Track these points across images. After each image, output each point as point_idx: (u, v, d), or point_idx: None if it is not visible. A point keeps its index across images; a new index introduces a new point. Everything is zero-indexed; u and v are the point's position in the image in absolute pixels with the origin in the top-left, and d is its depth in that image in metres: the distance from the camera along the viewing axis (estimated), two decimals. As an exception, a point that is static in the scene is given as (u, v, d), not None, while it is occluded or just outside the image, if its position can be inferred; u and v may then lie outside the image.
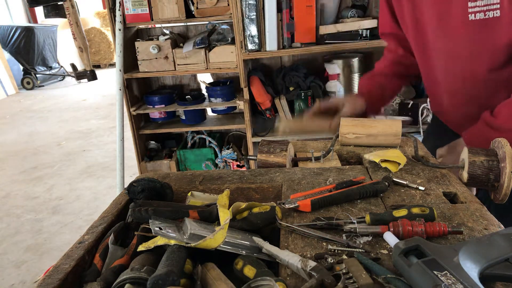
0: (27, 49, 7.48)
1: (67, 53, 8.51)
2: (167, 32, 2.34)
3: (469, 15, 0.89)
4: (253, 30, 2.07)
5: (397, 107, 2.31)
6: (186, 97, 2.46)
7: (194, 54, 2.22)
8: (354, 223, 0.65)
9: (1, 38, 7.37)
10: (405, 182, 0.79)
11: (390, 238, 0.60)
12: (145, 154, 2.57)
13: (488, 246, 0.53)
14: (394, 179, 0.81)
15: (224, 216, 0.64)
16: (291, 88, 2.25)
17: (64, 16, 2.62)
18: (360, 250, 0.60)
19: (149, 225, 0.64)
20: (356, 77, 2.26)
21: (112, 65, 9.07)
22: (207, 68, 2.27)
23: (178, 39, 2.38)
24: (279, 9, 2.06)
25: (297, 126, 1.34)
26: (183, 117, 2.46)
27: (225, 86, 2.38)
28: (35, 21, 9.16)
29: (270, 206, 0.69)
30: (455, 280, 0.47)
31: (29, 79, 7.67)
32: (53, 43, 8.07)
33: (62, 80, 8.35)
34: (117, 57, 2.24)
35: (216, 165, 2.54)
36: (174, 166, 2.51)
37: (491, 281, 0.52)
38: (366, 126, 1.01)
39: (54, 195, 3.19)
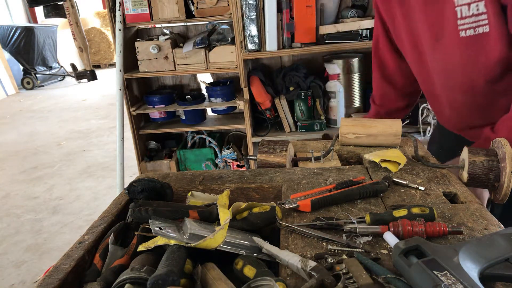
0: (27, 49, 7.48)
1: (67, 53, 8.51)
2: (167, 32, 2.34)
3: (460, 32, 0.91)
4: (253, 30, 2.07)
5: (397, 107, 2.30)
6: (186, 97, 2.46)
7: (194, 54, 2.22)
8: (354, 223, 0.65)
9: (1, 38, 7.37)
10: (405, 182, 0.79)
11: (390, 238, 0.60)
12: (145, 154, 2.57)
13: (488, 246, 0.53)
14: (394, 179, 0.81)
15: (224, 216, 0.64)
16: (291, 88, 2.25)
17: (64, 16, 2.62)
18: (360, 250, 0.60)
19: (149, 225, 0.64)
20: (356, 77, 2.26)
21: (112, 65, 9.07)
22: (207, 68, 2.27)
23: (178, 39, 2.38)
24: (279, 9, 2.05)
25: None
26: (183, 117, 2.46)
27: (225, 86, 2.38)
28: (35, 21, 9.15)
29: (270, 206, 0.69)
30: (455, 280, 0.47)
31: (29, 79, 7.67)
32: (53, 43, 8.07)
33: (62, 80, 8.35)
34: (117, 57, 2.24)
35: (216, 165, 2.54)
36: (174, 166, 2.51)
37: (491, 281, 0.52)
38: (366, 126, 1.01)
39: (54, 195, 3.19)
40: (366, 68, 2.34)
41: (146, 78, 2.60)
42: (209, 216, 0.69)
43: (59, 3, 2.61)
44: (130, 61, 2.34)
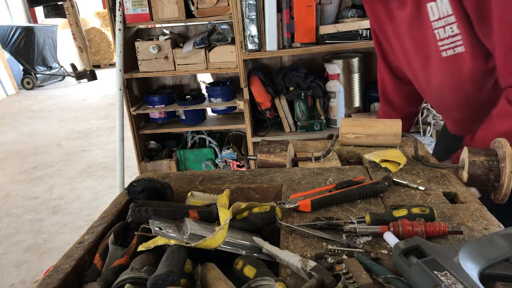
0: (27, 49, 7.48)
1: (67, 53, 8.51)
2: (167, 32, 2.34)
3: (442, 53, 0.98)
4: (253, 30, 2.07)
5: (397, 107, 2.30)
6: (186, 97, 2.46)
7: (194, 54, 2.22)
8: (354, 223, 0.65)
9: (1, 38, 7.37)
10: (405, 182, 0.79)
11: (390, 238, 0.60)
12: (145, 154, 2.57)
13: (488, 246, 0.53)
14: (394, 179, 0.81)
15: (224, 216, 0.64)
16: (291, 88, 2.25)
17: (64, 16, 2.62)
18: (360, 250, 0.60)
19: (149, 225, 0.64)
20: (356, 77, 2.26)
21: (112, 65, 9.07)
22: (207, 68, 2.27)
23: (178, 39, 2.38)
24: (279, 9, 2.05)
25: None
26: (183, 117, 2.46)
27: (225, 86, 2.38)
28: (35, 21, 9.15)
29: (270, 206, 0.69)
30: (455, 280, 0.47)
31: (29, 79, 7.67)
32: (53, 43, 8.07)
33: (62, 80, 8.35)
34: (117, 57, 2.24)
35: (216, 165, 2.54)
36: (174, 166, 2.51)
37: (491, 281, 0.52)
38: (366, 126, 1.01)
39: (54, 195, 3.19)
40: (366, 68, 2.34)
41: (146, 78, 2.60)
42: (209, 216, 0.69)
43: (59, 3, 2.61)
44: (130, 61, 2.34)
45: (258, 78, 2.28)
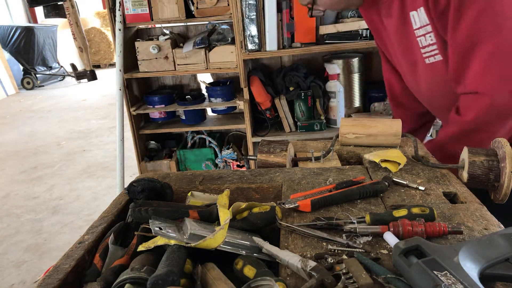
0: (27, 49, 7.47)
1: (67, 53, 8.51)
2: (167, 32, 2.34)
3: (425, 59, 1.02)
4: (253, 30, 2.07)
5: (397, 107, 2.31)
6: (186, 97, 2.46)
7: (194, 54, 2.22)
8: (354, 223, 0.65)
9: (1, 38, 7.37)
10: (405, 182, 0.79)
11: (390, 238, 0.60)
12: (145, 154, 2.57)
13: (488, 246, 0.53)
14: (394, 179, 0.81)
15: (224, 216, 0.64)
16: (291, 88, 2.25)
17: (64, 16, 2.62)
18: (360, 250, 0.60)
19: (149, 225, 0.64)
20: (356, 77, 2.26)
21: (112, 65, 9.07)
22: (207, 68, 2.27)
23: (178, 39, 2.38)
24: (279, 9, 2.05)
25: None
26: (183, 117, 2.46)
27: (225, 86, 2.38)
28: (35, 21, 9.15)
29: (270, 206, 0.69)
30: (455, 280, 0.47)
31: (29, 79, 7.67)
32: (53, 43, 8.06)
33: (62, 80, 8.35)
34: (117, 57, 2.24)
35: (216, 165, 2.54)
36: (174, 166, 2.51)
37: (491, 281, 0.52)
38: (366, 126, 1.01)
39: (54, 195, 3.19)
40: (366, 68, 2.34)
41: (146, 78, 2.60)
42: (209, 216, 0.69)
43: (59, 3, 2.61)
44: (130, 61, 2.34)
45: (258, 78, 2.28)
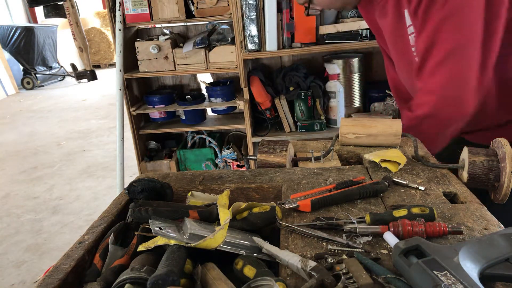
0: (27, 49, 7.47)
1: (67, 53, 8.51)
2: (167, 32, 2.34)
3: (415, 58, 1.04)
4: (253, 30, 2.07)
5: (397, 107, 2.31)
6: (186, 97, 2.46)
7: (194, 54, 2.22)
8: (354, 223, 0.65)
9: (1, 38, 7.37)
10: (405, 182, 0.79)
11: (390, 238, 0.60)
12: (145, 154, 2.57)
13: (488, 246, 0.53)
14: (394, 179, 0.81)
15: (224, 216, 0.64)
16: (291, 88, 2.25)
17: (64, 16, 2.62)
18: (360, 250, 0.60)
19: (149, 225, 0.64)
20: (356, 77, 2.26)
21: (112, 65, 9.07)
22: (207, 68, 2.27)
23: (178, 39, 2.38)
24: (279, 9, 2.05)
25: None
26: (183, 117, 2.46)
27: (225, 86, 2.38)
28: (35, 21, 9.15)
29: (270, 206, 0.69)
30: (455, 280, 0.47)
31: (29, 79, 7.67)
32: (53, 43, 8.06)
33: (62, 80, 8.35)
34: (117, 57, 2.24)
35: (216, 165, 2.54)
36: (174, 166, 2.51)
37: (491, 281, 0.52)
38: (366, 126, 1.01)
39: (54, 195, 3.19)
40: (366, 68, 2.34)
41: (146, 78, 2.61)
42: (209, 216, 0.69)
43: (59, 3, 2.61)
44: (130, 61, 2.34)
45: (258, 78, 2.28)
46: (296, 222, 0.69)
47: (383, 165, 0.86)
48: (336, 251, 0.60)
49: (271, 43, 2.10)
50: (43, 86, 7.96)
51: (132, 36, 2.41)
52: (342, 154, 1.03)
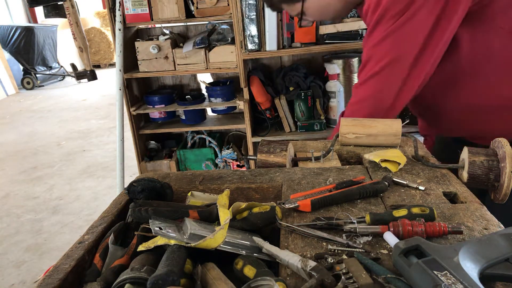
0: (27, 49, 7.48)
1: (67, 53, 8.51)
2: (167, 32, 2.34)
3: None
4: (253, 30, 2.07)
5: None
6: (186, 97, 2.46)
7: (194, 54, 2.22)
8: (354, 223, 0.65)
9: (1, 38, 7.37)
10: (405, 182, 0.79)
11: (390, 238, 0.60)
12: (145, 154, 2.57)
13: (488, 246, 0.53)
14: (394, 179, 0.81)
15: (224, 216, 0.64)
16: (291, 88, 2.25)
17: (64, 16, 2.62)
18: (360, 250, 0.60)
19: (149, 225, 0.64)
20: (356, 77, 2.26)
21: (112, 65, 9.08)
22: (207, 68, 2.27)
23: (178, 39, 2.38)
24: (279, 9, 2.05)
25: None
26: (183, 117, 2.46)
27: (225, 86, 2.38)
28: (35, 21, 9.15)
29: (270, 206, 0.69)
30: (455, 280, 0.47)
31: (29, 79, 7.67)
32: (53, 43, 8.07)
33: (62, 80, 8.35)
34: (117, 57, 2.24)
35: (216, 165, 2.54)
36: (174, 166, 2.51)
37: (491, 281, 0.52)
38: (366, 126, 1.01)
39: (54, 195, 3.19)
40: (366, 68, 2.34)
41: (146, 78, 2.60)
42: (209, 216, 0.69)
43: (59, 3, 2.61)
44: (130, 61, 2.34)
45: (258, 78, 2.28)
46: (296, 222, 0.69)
47: (383, 165, 0.86)
48: (336, 251, 0.60)
49: (271, 43, 2.10)
50: (43, 86, 7.96)
51: (132, 36, 2.41)
52: (342, 154, 1.03)
